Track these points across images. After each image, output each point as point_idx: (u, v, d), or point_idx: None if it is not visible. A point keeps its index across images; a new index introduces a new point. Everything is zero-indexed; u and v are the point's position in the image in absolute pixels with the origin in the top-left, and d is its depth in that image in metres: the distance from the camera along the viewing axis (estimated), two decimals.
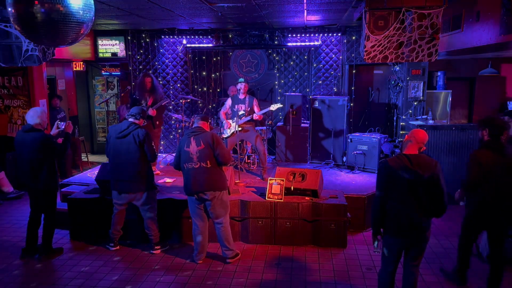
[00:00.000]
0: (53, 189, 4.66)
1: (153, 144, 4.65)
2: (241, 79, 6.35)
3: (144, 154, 4.57)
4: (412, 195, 3.15)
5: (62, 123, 4.72)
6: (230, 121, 6.35)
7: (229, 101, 6.46)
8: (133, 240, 5.14)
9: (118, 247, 4.95)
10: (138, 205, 4.71)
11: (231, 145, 6.38)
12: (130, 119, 4.64)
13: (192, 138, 4.39)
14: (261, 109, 6.30)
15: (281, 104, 6.55)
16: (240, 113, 6.23)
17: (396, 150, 6.59)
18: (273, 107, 6.22)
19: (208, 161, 4.34)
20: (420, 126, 6.42)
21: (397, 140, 7.22)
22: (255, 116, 6.18)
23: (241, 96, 6.29)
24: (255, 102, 6.33)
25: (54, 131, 4.65)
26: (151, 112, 6.33)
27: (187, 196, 4.54)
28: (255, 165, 7.09)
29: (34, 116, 4.50)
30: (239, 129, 6.11)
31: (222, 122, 6.51)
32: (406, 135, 3.38)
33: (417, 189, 3.13)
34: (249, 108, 6.24)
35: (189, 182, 4.38)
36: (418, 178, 3.11)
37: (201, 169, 4.33)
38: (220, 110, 6.62)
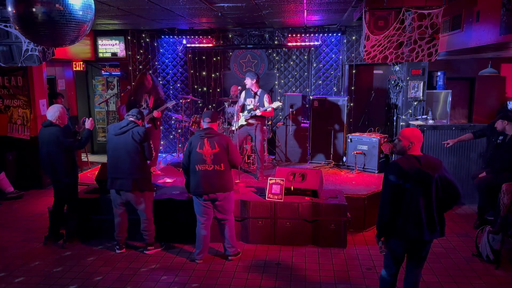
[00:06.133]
0: (72, 180, 4.96)
1: (151, 144, 4.66)
2: (248, 74, 6.23)
3: (142, 152, 4.57)
4: (423, 196, 3.13)
5: (88, 120, 5.05)
6: (241, 114, 6.32)
7: (243, 94, 6.42)
8: (133, 240, 5.13)
9: (123, 250, 4.89)
10: (135, 205, 4.69)
11: (239, 140, 6.32)
12: (130, 118, 4.66)
13: (205, 140, 4.40)
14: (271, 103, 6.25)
15: (280, 102, 6.49)
16: (249, 107, 6.22)
17: None
18: (274, 104, 6.17)
19: (222, 164, 4.39)
20: (420, 126, 6.42)
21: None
22: (258, 112, 6.09)
23: (253, 90, 6.23)
24: (267, 97, 6.23)
25: (80, 128, 5.06)
26: (156, 114, 6.33)
27: (194, 195, 4.53)
28: (255, 165, 7.09)
29: (51, 112, 4.85)
30: (245, 123, 6.09)
31: (235, 115, 6.45)
32: (404, 141, 3.25)
33: (427, 189, 3.12)
34: (258, 103, 6.18)
35: (200, 183, 4.39)
36: (428, 178, 3.11)
37: (215, 172, 4.38)
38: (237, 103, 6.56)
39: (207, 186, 4.37)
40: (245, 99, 6.34)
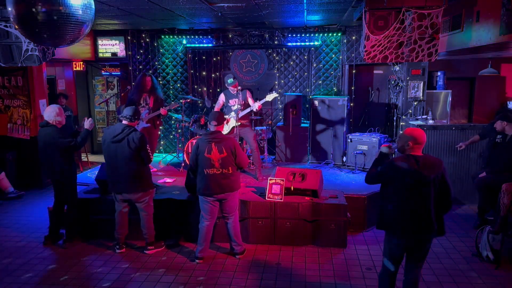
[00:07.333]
0: (71, 180, 4.94)
1: (148, 147, 4.61)
2: (230, 80, 6.18)
3: (140, 157, 4.55)
4: (419, 196, 3.13)
5: (87, 120, 5.00)
6: (227, 116, 6.28)
7: (222, 97, 6.42)
8: (133, 239, 5.13)
9: (123, 250, 4.89)
10: (135, 203, 4.70)
11: None
12: (124, 122, 4.61)
13: (213, 145, 4.41)
14: (255, 101, 6.25)
15: (277, 94, 6.43)
16: (235, 107, 6.20)
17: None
18: (269, 97, 6.14)
19: (230, 168, 4.44)
20: (420, 126, 6.42)
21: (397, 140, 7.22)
22: (255, 108, 6.10)
23: (235, 91, 6.24)
24: (248, 94, 6.30)
25: (81, 128, 5.05)
26: (163, 111, 6.32)
27: (201, 196, 4.53)
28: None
29: (48, 112, 4.83)
30: (238, 123, 6.07)
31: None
32: (403, 140, 3.24)
33: (424, 190, 3.12)
34: (243, 102, 6.20)
35: (210, 185, 4.42)
36: (424, 179, 3.11)
37: (223, 175, 4.42)
38: (214, 107, 6.55)
39: (217, 188, 4.42)
40: (227, 101, 6.32)
